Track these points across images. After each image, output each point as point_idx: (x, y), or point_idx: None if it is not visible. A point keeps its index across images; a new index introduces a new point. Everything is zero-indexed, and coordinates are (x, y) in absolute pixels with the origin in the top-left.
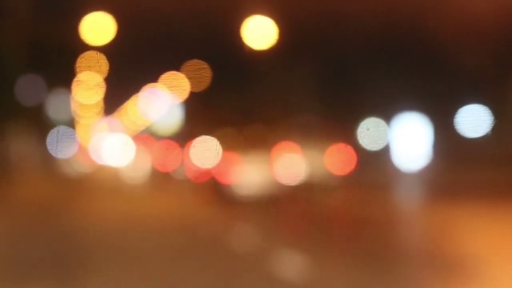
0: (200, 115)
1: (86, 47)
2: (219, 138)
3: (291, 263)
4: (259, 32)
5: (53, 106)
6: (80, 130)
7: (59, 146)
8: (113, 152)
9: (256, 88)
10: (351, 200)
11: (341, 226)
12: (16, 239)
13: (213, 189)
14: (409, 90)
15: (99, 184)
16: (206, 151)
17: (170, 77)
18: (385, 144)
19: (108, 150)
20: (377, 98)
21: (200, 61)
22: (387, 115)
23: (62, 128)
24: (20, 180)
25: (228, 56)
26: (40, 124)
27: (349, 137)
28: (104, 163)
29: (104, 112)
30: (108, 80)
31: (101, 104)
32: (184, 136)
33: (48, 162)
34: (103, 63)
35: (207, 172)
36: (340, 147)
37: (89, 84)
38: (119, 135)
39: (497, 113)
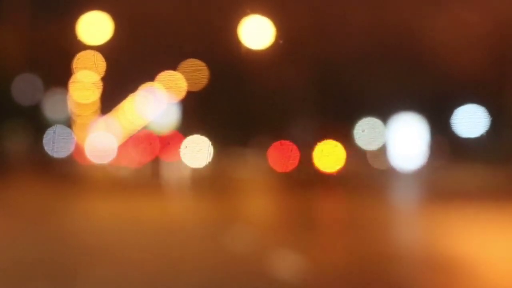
0: (197, 114)
1: (83, 47)
2: (214, 137)
3: (287, 264)
4: (256, 32)
5: (49, 106)
6: (77, 129)
7: (56, 146)
8: (109, 151)
9: (252, 88)
10: (346, 200)
11: (336, 226)
12: (12, 239)
13: None
14: (405, 91)
15: (96, 183)
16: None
17: (167, 76)
18: (381, 144)
19: (105, 149)
20: (373, 99)
21: (197, 60)
22: (384, 115)
23: (59, 128)
24: (17, 179)
25: (225, 55)
26: (36, 123)
27: (345, 137)
28: (101, 162)
29: (101, 111)
30: (105, 79)
31: (98, 103)
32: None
33: (45, 161)
34: (100, 63)
35: None
36: (336, 146)
37: (86, 84)
38: (115, 134)
39: (493, 114)
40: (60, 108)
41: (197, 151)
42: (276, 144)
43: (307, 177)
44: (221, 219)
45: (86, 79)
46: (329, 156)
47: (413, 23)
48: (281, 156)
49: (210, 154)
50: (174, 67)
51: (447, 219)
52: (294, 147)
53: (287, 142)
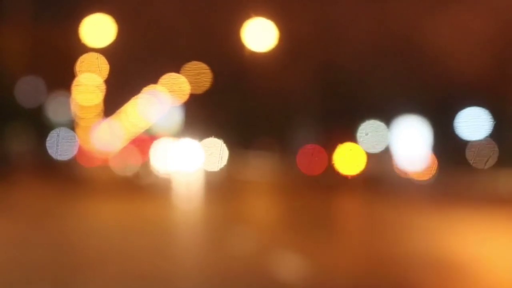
0: (200, 117)
1: (86, 49)
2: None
3: (291, 265)
4: (259, 35)
5: (53, 108)
6: (80, 132)
7: (59, 148)
8: (113, 153)
9: (255, 90)
10: (352, 202)
11: (342, 228)
12: (15, 242)
13: None
14: (408, 93)
15: (100, 186)
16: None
17: (170, 79)
18: (385, 147)
19: (108, 151)
20: (377, 101)
21: (200, 63)
22: (387, 118)
23: (62, 130)
24: (20, 182)
25: (228, 58)
26: (40, 126)
27: (349, 140)
28: (104, 165)
29: (104, 114)
30: (108, 82)
31: (101, 106)
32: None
33: (48, 164)
34: (103, 65)
35: None
36: (344, 148)
37: (89, 86)
38: (118, 137)
39: (497, 116)
40: (63, 110)
41: (209, 154)
42: (302, 148)
43: (326, 180)
44: (227, 222)
45: (90, 82)
46: (349, 158)
47: (416, 26)
48: (306, 159)
49: (223, 158)
50: (177, 70)
51: (450, 222)
52: (319, 150)
53: (311, 146)
